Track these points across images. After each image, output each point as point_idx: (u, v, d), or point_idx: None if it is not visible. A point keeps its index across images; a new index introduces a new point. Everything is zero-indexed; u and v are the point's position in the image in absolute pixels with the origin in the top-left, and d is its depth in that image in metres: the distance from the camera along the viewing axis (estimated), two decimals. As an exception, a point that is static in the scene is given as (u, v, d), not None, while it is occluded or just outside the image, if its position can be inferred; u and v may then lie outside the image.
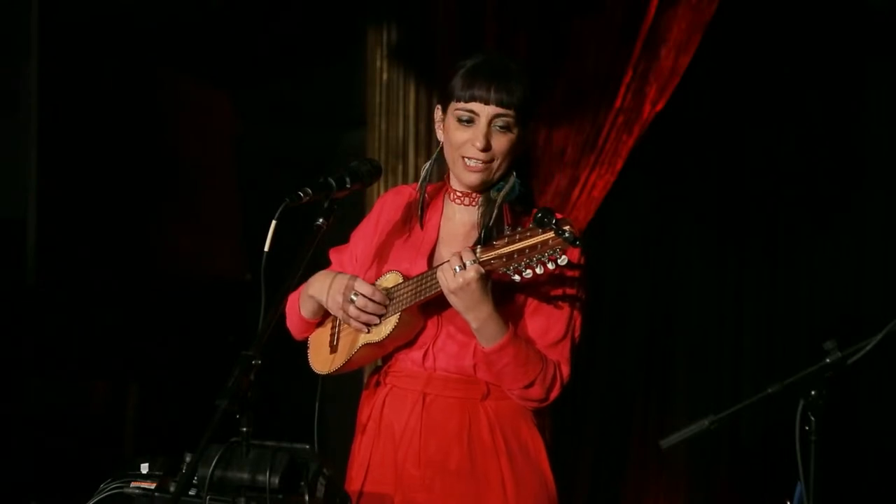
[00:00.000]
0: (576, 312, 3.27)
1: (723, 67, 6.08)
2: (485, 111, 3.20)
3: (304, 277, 3.34)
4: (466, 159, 3.23)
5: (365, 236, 3.44)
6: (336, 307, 3.30)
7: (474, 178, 3.25)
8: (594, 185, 5.61)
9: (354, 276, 3.31)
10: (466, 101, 3.21)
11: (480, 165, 3.23)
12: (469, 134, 3.22)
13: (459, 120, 3.23)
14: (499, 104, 3.19)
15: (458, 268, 3.10)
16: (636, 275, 6.30)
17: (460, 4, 5.78)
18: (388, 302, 3.25)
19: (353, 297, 3.25)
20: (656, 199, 6.26)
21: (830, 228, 6.10)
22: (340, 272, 3.35)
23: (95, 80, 6.22)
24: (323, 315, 3.42)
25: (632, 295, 6.30)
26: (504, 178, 3.26)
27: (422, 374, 3.28)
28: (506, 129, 3.21)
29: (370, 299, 3.24)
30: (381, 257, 3.38)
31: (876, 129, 6.08)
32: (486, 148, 3.20)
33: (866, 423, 6.00)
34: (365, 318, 3.25)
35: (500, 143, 3.21)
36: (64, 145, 6.19)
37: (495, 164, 3.23)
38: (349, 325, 3.31)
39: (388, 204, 3.45)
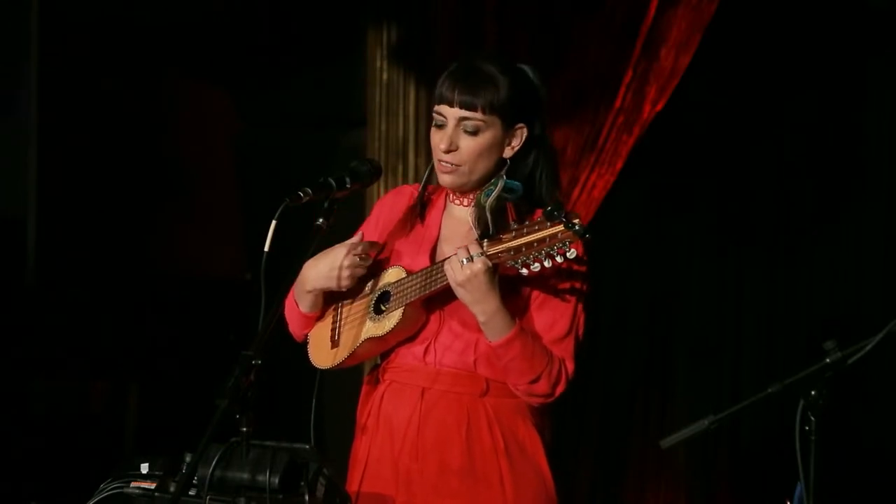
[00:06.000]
0: (580, 308, 3.27)
1: (723, 67, 6.08)
2: (450, 113, 3.22)
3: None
4: (438, 161, 3.25)
5: (367, 236, 3.44)
6: (347, 281, 3.30)
7: (446, 180, 3.27)
8: (594, 185, 5.61)
9: (332, 248, 3.31)
10: (437, 105, 3.25)
11: (448, 167, 3.24)
12: (438, 137, 3.24)
13: (434, 124, 3.27)
14: (462, 106, 3.21)
15: (465, 260, 3.11)
16: (636, 275, 6.30)
17: (460, 4, 5.78)
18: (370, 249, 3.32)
19: (351, 262, 3.28)
20: (656, 199, 6.26)
21: (831, 228, 6.10)
22: (316, 257, 3.33)
23: (95, 80, 6.22)
24: (323, 307, 3.42)
25: (632, 295, 6.30)
26: (492, 181, 3.26)
27: (422, 368, 3.29)
28: (473, 131, 3.22)
29: (362, 254, 3.30)
30: (382, 254, 3.38)
31: (876, 129, 6.07)
32: (449, 149, 3.22)
33: (866, 423, 5.99)
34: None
35: (468, 145, 3.22)
36: (64, 145, 6.19)
37: (466, 167, 3.24)
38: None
39: (387, 204, 3.47)
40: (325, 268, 3.30)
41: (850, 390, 5.80)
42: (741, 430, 6.11)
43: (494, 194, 3.23)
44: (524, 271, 3.05)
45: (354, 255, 3.30)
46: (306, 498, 2.91)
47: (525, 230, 3.04)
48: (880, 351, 2.96)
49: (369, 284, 3.35)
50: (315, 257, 3.31)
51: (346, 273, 3.30)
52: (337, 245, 3.33)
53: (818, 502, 2.90)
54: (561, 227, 2.98)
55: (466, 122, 3.22)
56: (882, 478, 5.95)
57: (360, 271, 3.32)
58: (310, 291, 3.35)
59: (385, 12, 6.02)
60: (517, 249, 3.05)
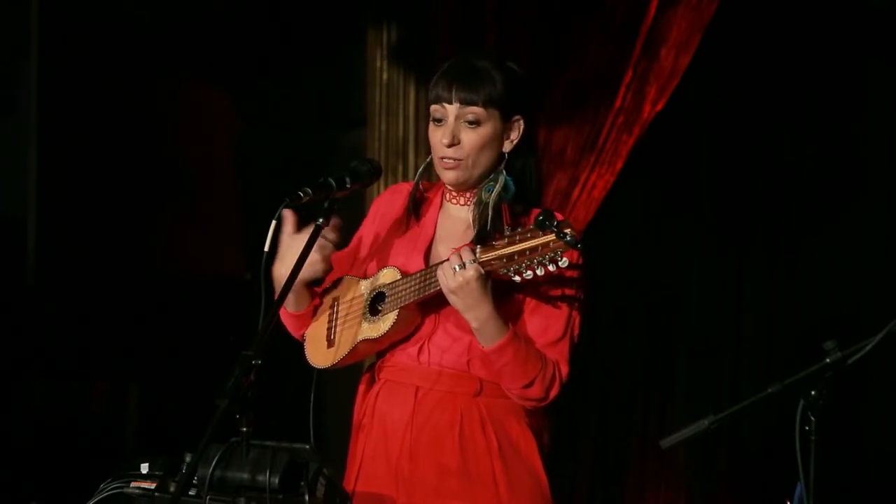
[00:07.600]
0: (574, 311, 3.27)
1: (723, 67, 6.08)
2: (450, 109, 3.25)
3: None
4: (440, 159, 3.26)
5: (364, 235, 3.45)
6: (321, 265, 3.27)
7: (450, 176, 3.28)
8: (594, 185, 5.61)
9: (289, 243, 3.27)
10: (434, 102, 3.28)
11: (451, 163, 3.26)
12: (440, 133, 3.26)
13: (433, 121, 3.29)
14: (461, 101, 3.24)
15: (457, 267, 3.11)
16: (636, 275, 6.30)
17: (460, 4, 5.78)
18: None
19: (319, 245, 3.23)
20: (656, 198, 6.26)
21: (831, 228, 6.10)
22: (278, 258, 3.30)
23: (95, 80, 6.22)
24: (317, 306, 3.41)
25: (632, 295, 6.30)
26: (492, 176, 3.27)
27: (416, 368, 3.29)
28: (474, 124, 3.24)
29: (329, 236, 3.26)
30: (379, 253, 3.38)
31: (876, 129, 6.08)
32: (452, 143, 3.24)
33: (866, 423, 6.00)
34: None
35: (469, 138, 3.24)
36: (64, 145, 6.19)
37: (469, 161, 3.25)
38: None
39: (384, 202, 3.47)
40: (293, 261, 3.26)
41: (850, 390, 5.80)
42: (741, 430, 6.11)
43: (497, 189, 3.24)
44: (517, 278, 3.05)
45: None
46: (306, 498, 2.92)
47: (518, 238, 3.03)
48: (880, 351, 2.96)
49: (365, 284, 3.34)
50: (277, 258, 3.29)
51: (317, 257, 3.26)
52: (288, 236, 3.27)
53: (818, 502, 2.90)
54: (552, 237, 2.98)
55: (465, 115, 3.24)
56: (882, 478, 5.95)
57: (329, 251, 3.28)
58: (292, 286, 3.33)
59: (385, 12, 6.02)
60: (509, 257, 3.04)
